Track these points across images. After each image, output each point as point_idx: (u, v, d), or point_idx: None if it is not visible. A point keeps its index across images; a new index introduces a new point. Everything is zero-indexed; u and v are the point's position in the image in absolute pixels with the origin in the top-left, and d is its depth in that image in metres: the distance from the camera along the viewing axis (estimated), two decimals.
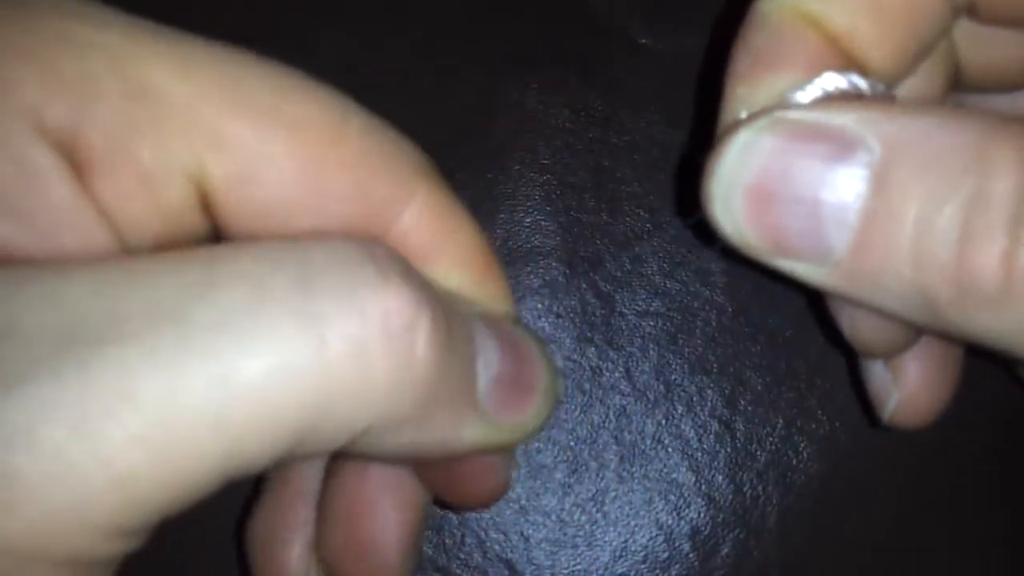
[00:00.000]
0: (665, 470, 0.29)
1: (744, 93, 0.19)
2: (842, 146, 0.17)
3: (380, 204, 0.17)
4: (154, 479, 0.13)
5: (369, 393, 0.15)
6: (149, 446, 0.13)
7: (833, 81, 0.18)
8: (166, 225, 0.16)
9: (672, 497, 0.29)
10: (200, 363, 0.13)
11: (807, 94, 0.18)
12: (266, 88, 0.17)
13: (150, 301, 0.14)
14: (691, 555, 0.29)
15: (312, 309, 0.14)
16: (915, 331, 0.23)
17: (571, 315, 0.30)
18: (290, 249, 0.15)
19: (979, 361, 0.28)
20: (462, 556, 0.29)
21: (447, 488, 0.22)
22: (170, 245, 0.17)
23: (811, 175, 0.17)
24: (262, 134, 0.16)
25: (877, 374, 0.25)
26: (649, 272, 0.30)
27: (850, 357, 0.28)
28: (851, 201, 0.17)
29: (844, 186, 0.17)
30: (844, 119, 0.17)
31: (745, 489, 0.29)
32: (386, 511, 0.21)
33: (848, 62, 0.18)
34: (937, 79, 0.21)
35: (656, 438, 0.29)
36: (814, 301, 0.28)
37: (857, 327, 0.23)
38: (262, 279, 0.14)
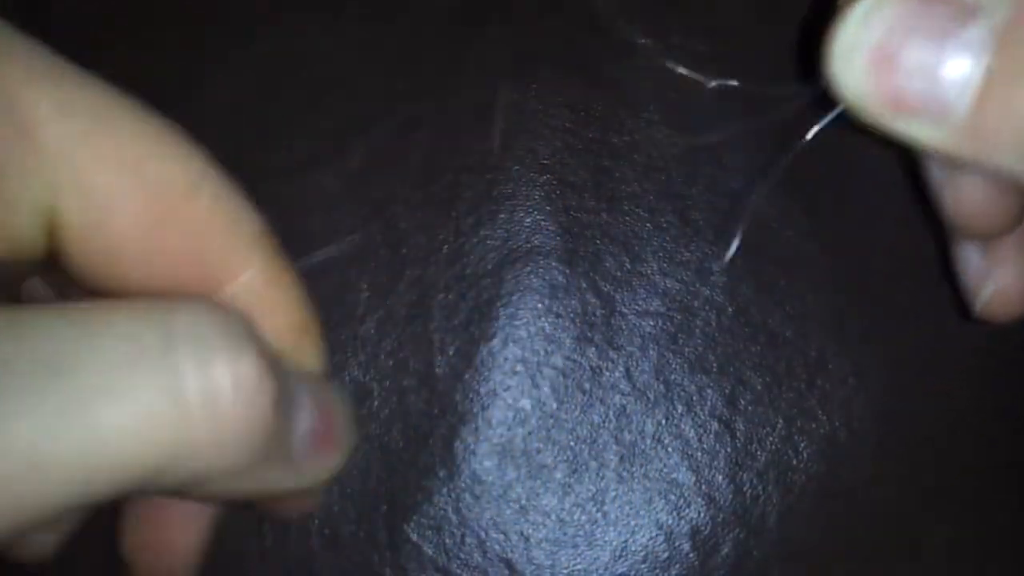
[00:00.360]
0: (665, 470, 0.29)
1: None
2: (963, 10, 0.18)
3: (216, 267, 0.19)
4: (4, 513, 0.14)
5: (216, 449, 0.16)
6: (11, 481, 0.14)
7: None
8: (11, 247, 0.18)
9: (672, 497, 0.29)
10: (75, 412, 0.15)
11: None
12: (135, 143, 0.18)
13: (30, 349, 0.15)
14: (691, 555, 0.29)
15: (176, 368, 0.16)
16: (1020, 208, 0.23)
17: (571, 315, 0.30)
18: (159, 310, 0.16)
19: (985, 363, 0.28)
20: (462, 556, 0.29)
21: (257, 505, 0.23)
22: (11, 263, 0.18)
23: (933, 38, 0.18)
24: (120, 187, 0.18)
25: (972, 262, 0.25)
26: (649, 272, 0.30)
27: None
28: (973, 61, 0.17)
29: (967, 48, 0.17)
30: None
31: (745, 489, 0.29)
32: (185, 514, 0.22)
33: None
34: None
35: (656, 438, 0.29)
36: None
37: (961, 201, 0.23)
38: (134, 336, 0.16)
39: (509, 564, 0.29)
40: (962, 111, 0.18)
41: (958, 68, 0.18)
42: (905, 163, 0.29)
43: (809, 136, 0.24)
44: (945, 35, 0.18)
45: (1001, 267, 0.25)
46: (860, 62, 0.18)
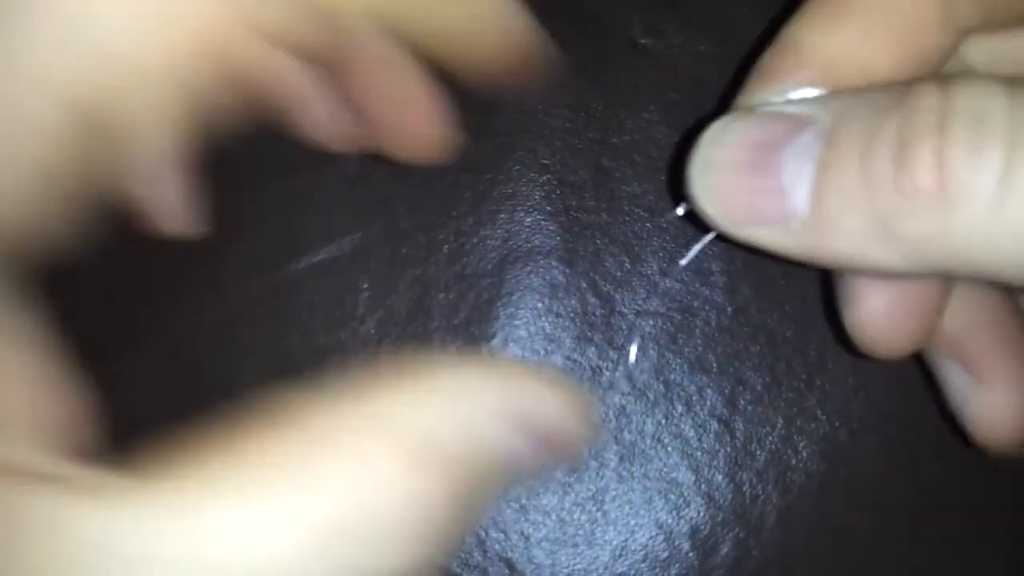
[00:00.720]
0: (665, 470, 0.29)
1: (739, 103, 0.22)
2: (797, 123, 0.19)
3: None
4: None
5: None
6: None
7: (811, 93, 0.21)
8: None
9: (672, 496, 0.29)
10: None
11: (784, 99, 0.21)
12: None
13: None
14: (691, 554, 0.29)
15: None
16: (923, 318, 0.23)
17: (571, 315, 0.30)
18: None
19: None
20: (462, 555, 0.29)
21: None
22: None
23: (772, 150, 0.19)
24: None
25: (953, 380, 0.24)
26: (649, 272, 0.30)
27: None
28: (807, 163, 0.19)
29: (801, 154, 0.19)
30: (798, 106, 0.20)
31: (744, 488, 0.29)
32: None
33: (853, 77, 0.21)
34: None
35: (656, 437, 0.29)
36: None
37: (862, 313, 0.23)
38: None
39: (509, 563, 0.29)
40: (803, 209, 0.19)
41: (796, 173, 0.19)
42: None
43: (688, 258, 0.27)
44: (782, 146, 0.19)
45: (987, 387, 0.23)
46: (713, 180, 0.20)
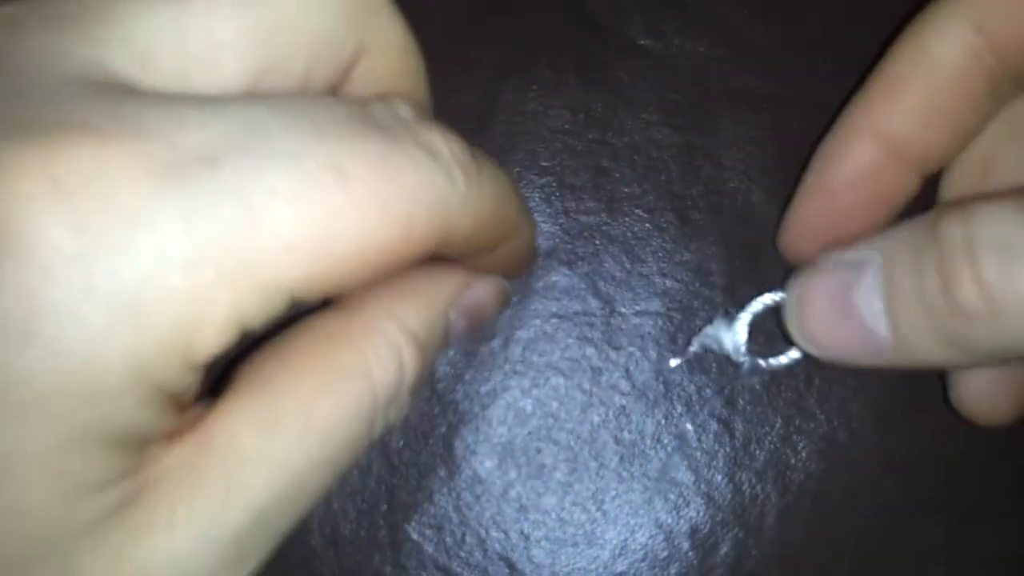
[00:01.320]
0: (665, 470, 0.29)
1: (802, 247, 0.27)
2: (859, 266, 0.23)
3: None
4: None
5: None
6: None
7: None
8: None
9: (671, 496, 0.29)
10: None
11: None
12: None
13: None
14: (690, 554, 0.29)
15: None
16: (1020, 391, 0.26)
17: (571, 315, 0.30)
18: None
19: None
20: (463, 555, 0.29)
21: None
22: None
23: (846, 294, 0.23)
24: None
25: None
26: (649, 272, 0.30)
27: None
28: (877, 297, 0.23)
29: (870, 292, 0.23)
30: (855, 252, 0.24)
31: (744, 488, 0.29)
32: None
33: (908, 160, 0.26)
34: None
35: (656, 438, 0.29)
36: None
37: (967, 390, 0.27)
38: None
39: (509, 563, 0.29)
40: (886, 335, 0.23)
41: (871, 311, 0.23)
42: None
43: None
44: (852, 289, 0.23)
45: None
46: (808, 333, 0.24)
